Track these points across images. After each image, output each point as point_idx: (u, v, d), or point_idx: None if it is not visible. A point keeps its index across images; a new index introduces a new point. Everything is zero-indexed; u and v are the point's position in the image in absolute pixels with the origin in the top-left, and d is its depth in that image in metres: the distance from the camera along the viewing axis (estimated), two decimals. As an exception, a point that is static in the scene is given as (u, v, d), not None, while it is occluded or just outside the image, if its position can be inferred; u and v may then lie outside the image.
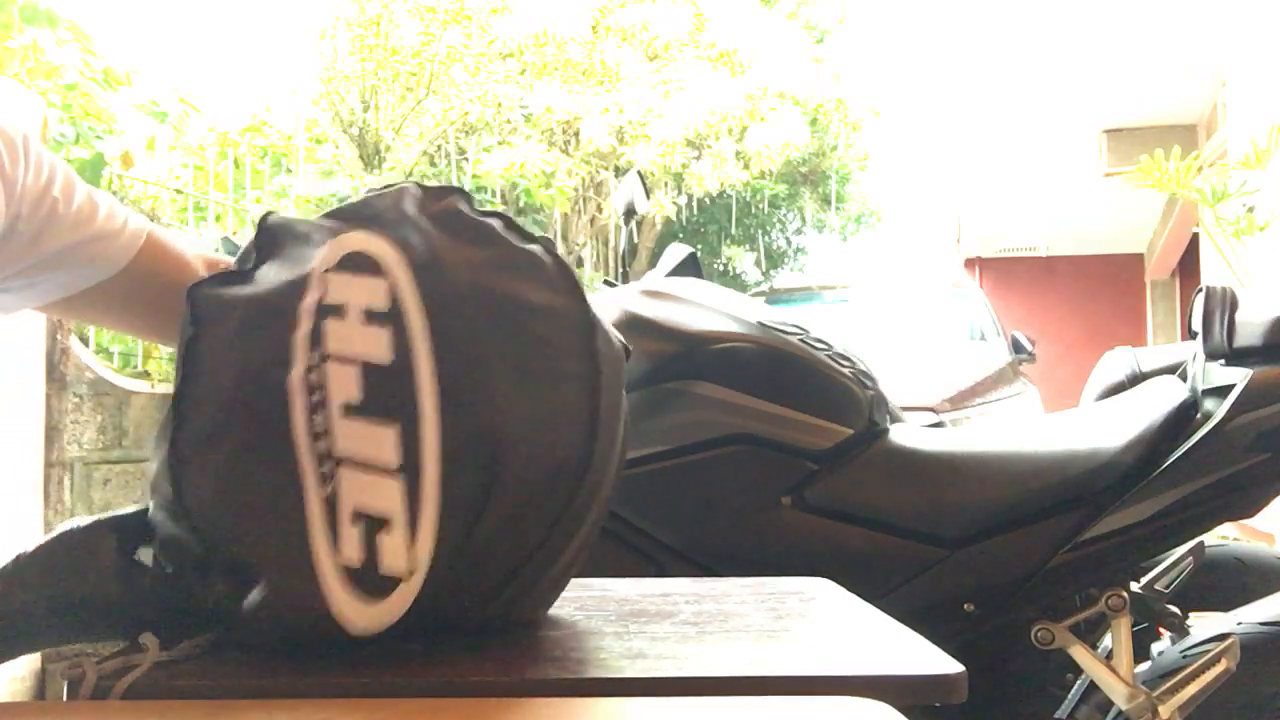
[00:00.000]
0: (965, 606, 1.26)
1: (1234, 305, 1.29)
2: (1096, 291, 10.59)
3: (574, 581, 0.89)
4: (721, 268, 10.65)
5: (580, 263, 7.59)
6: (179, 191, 4.01)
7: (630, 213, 1.77)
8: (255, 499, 0.62)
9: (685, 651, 0.64)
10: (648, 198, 1.91)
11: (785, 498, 1.28)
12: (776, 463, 1.28)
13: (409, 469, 0.60)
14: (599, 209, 7.52)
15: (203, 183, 4.72)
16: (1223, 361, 1.28)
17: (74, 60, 3.32)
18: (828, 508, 1.28)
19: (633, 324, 1.32)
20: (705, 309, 1.35)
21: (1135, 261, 10.57)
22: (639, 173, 1.84)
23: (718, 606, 0.78)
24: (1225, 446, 1.22)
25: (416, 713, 0.55)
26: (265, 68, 6.09)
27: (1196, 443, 1.23)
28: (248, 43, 6.18)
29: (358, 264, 0.65)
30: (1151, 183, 3.15)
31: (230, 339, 0.65)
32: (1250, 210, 3.13)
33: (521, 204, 6.66)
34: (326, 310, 0.63)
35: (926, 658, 0.63)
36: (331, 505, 0.61)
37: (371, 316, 0.63)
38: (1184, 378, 1.35)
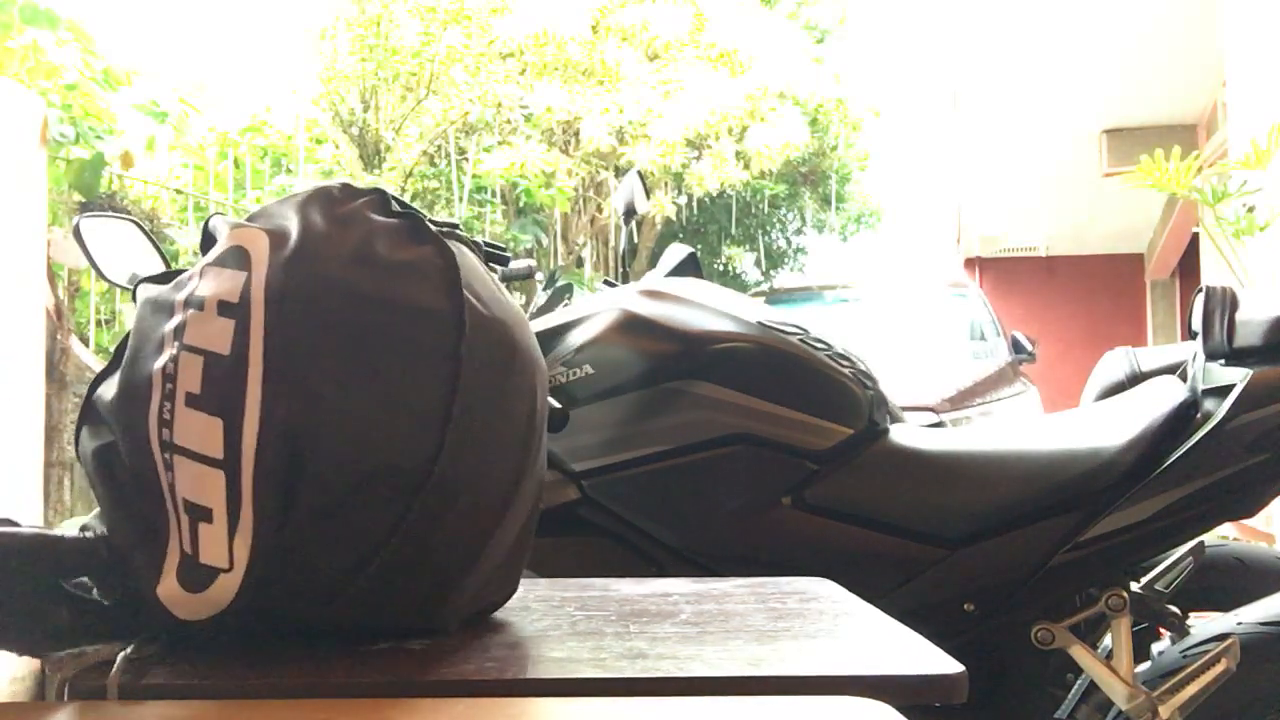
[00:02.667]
0: (965, 606, 1.26)
1: (1234, 305, 1.29)
2: (1096, 291, 10.60)
3: (574, 581, 0.89)
4: (721, 268, 10.66)
5: (580, 263, 7.60)
6: (179, 191, 4.01)
7: (630, 213, 1.78)
8: (124, 483, 0.65)
9: (686, 651, 0.64)
10: (648, 198, 1.91)
11: (785, 498, 1.28)
12: (776, 463, 1.28)
13: (230, 462, 0.61)
14: (599, 209, 7.53)
15: (203, 183, 4.73)
16: (1223, 361, 1.28)
17: (74, 60, 3.32)
18: (828, 508, 1.28)
19: (633, 324, 1.32)
20: (705, 309, 1.35)
21: (1135, 261, 10.57)
22: (639, 173, 1.84)
23: (718, 606, 0.78)
24: (1225, 446, 1.22)
25: (416, 712, 0.55)
26: (265, 68, 6.09)
27: (1196, 443, 1.23)
28: (248, 43, 6.18)
29: (231, 258, 0.66)
30: (1151, 183, 3.15)
31: (133, 333, 0.68)
32: (1250, 210, 3.12)
33: (521, 204, 6.67)
34: (192, 303, 0.64)
35: (926, 658, 0.63)
36: (173, 491, 0.62)
37: (223, 308, 0.63)
38: (1184, 378, 1.35)
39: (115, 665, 0.61)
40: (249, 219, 0.69)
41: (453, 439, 0.64)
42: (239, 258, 0.65)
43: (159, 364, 0.64)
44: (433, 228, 0.69)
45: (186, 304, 0.65)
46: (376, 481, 0.63)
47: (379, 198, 0.70)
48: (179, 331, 0.64)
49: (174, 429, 0.62)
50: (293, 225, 0.66)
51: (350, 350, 0.63)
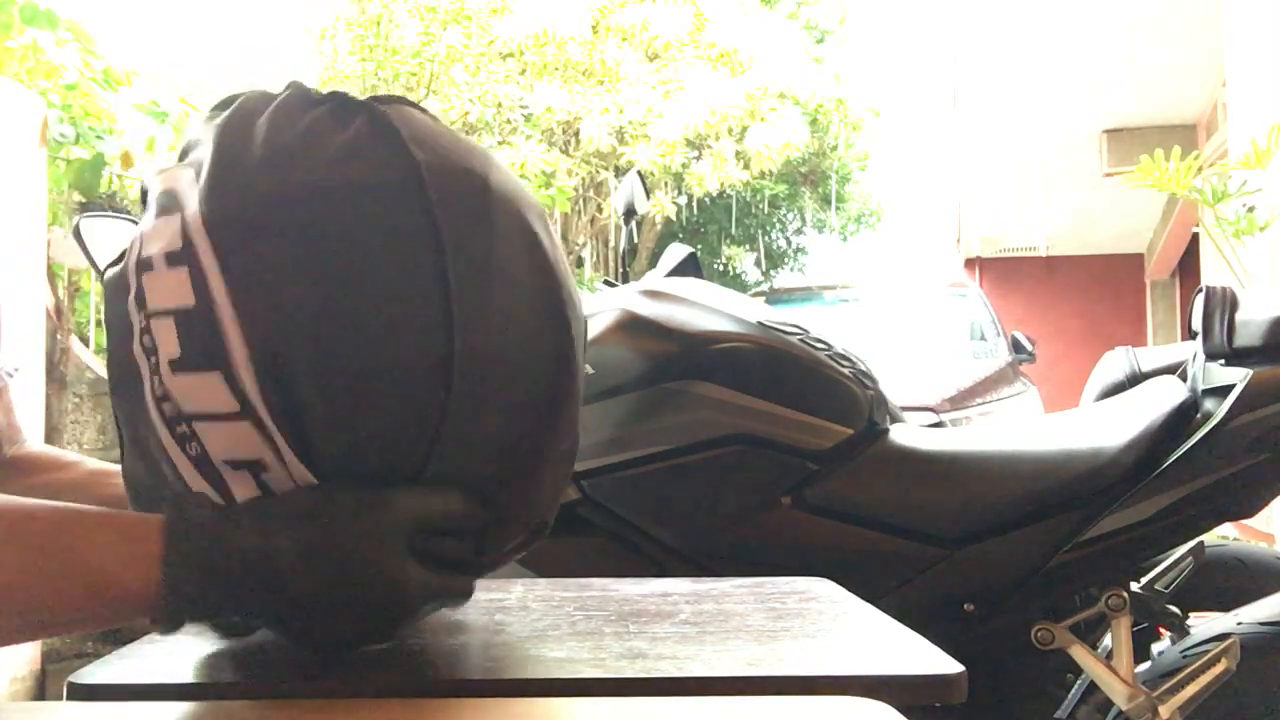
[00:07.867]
0: (965, 606, 1.26)
1: (1234, 305, 1.29)
2: (1096, 291, 10.60)
3: (573, 581, 0.90)
4: (721, 268, 10.67)
5: (580, 263, 7.60)
6: (179, 191, 3.99)
7: (630, 213, 1.78)
8: (149, 473, 0.62)
9: (685, 651, 0.64)
10: (648, 198, 1.91)
11: (785, 498, 1.28)
12: (776, 463, 1.28)
13: (248, 410, 0.57)
14: (599, 209, 7.53)
15: (203, 183, 4.70)
16: (1223, 361, 1.28)
17: (74, 60, 3.31)
18: (828, 508, 1.28)
19: (633, 324, 1.32)
20: (705, 309, 1.35)
21: (1135, 261, 10.58)
22: (639, 173, 1.84)
23: (718, 606, 0.78)
24: (1225, 446, 1.22)
25: (416, 712, 0.55)
26: (265, 68, 6.09)
27: (1196, 443, 1.23)
28: (248, 43, 6.18)
29: (163, 205, 0.61)
30: (1151, 183, 3.15)
31: (106, 322, 0.65)
32: (1250, 210, 3.12)
33: (521, 204, 6.66)
34: (142, 265, 0.60)
35: (926, 658, 0.63)
36: (205, 462, 0.58)
37: (171, 259, 0.59)
38: (1184, 378, 1.35)
39: (114, 665, 0.61)
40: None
41: (461, 305, 0.59)
42: (170, 202, 0.61)
43: (136, 342, 0.60)
44: (358, 99, 0.63)
45: (138, 269, 0.60)
46: (397, 373, 0.58)
47: (296, 92, 0.64)
48: (140, 300, 0.60)
49: (175, 401, 0.58)
50: (209, 148, 0.61)
51: (312, 253, 0.58)
